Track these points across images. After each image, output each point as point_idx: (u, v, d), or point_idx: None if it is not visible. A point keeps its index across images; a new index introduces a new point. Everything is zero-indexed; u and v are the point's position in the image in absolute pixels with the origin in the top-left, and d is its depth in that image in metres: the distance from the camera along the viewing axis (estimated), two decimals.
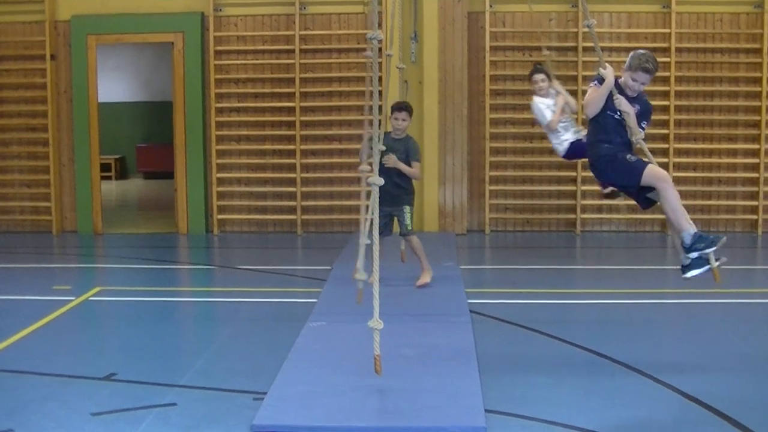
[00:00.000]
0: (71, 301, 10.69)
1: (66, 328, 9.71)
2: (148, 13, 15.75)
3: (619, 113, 8.11)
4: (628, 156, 8.09)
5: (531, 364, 8.16)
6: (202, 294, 11.79)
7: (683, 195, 14.94)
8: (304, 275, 12.22)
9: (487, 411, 6.63)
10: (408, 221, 10.89)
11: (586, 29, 14.90)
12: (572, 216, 15.72)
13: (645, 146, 8.13)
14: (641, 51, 8.42)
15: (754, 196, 15.63)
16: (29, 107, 16.14)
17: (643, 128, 8.22)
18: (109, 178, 24.63)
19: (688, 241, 7.96)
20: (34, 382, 7.62)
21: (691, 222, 7.98)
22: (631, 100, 8.23)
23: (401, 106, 11.10)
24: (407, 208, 10.91)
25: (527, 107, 15.22)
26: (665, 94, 15.44)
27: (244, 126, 16.02)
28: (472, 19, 15.47)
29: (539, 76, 10.91)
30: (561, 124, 10.49)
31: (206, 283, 12.62)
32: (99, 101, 16.12)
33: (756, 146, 15.51)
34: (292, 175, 15.81)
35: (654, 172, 7.96)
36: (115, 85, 25.64)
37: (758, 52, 15.41)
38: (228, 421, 6.63)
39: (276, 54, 15.87)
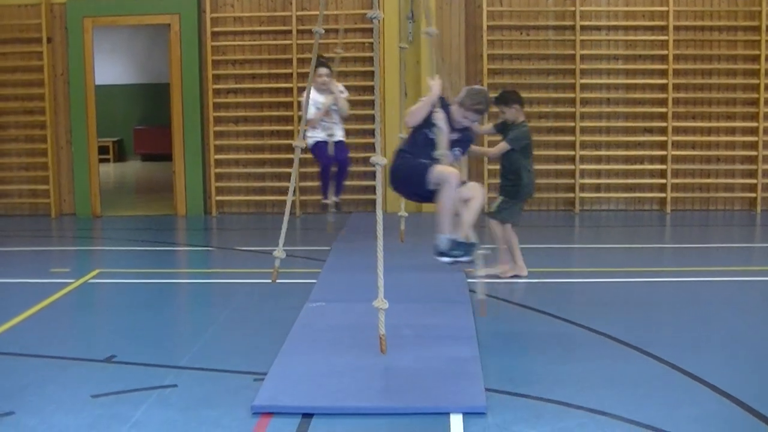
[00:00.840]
0: (70, 283, 10.68)
1: (65, 311, 9.71)
2: None
3: (433, 132, 8.19)
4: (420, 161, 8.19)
5: (531, 343, 8.17)
6: (200, 275, 11.78)
7: (683, 173, 15.04)
8: (303, 256, 12.20)
9: (487, 390, 6.63)
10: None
11: (584, 8, 15.02)
12: (571, 195, 15.72)
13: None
14: (476, 89, 8.62)
15: (752, 174, 15.62)
16: (26, 90, 16.12)
17: (456, 155, 8.43)
18: (107, 160, 24.63)
19: (442, 246, 8.18)
20: (33, 365, 7.63)
21: (452, 229, 8.16)
22: (455, 128, 8.39)
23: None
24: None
25: (526, 86, 15.34)
26: (663, 73, 15.42)
27: (242, 107, 16.00)
28: None
29: (323, 70, 11.79)
30: (322, 123, 11.75)
31: (205, 265, 12.62)
32: (96, 84, 16.09)
33: (754, 124, 15.50)
34: (290, 156, 15.76)
35: (441, 171, 7.96)
36: (111, 67, 25.58)
37: (756, 29, 15.39)
38: (228, 402, 6.63)
39: (273, 35, 15.84)
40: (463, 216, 8.26)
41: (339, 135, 12.25)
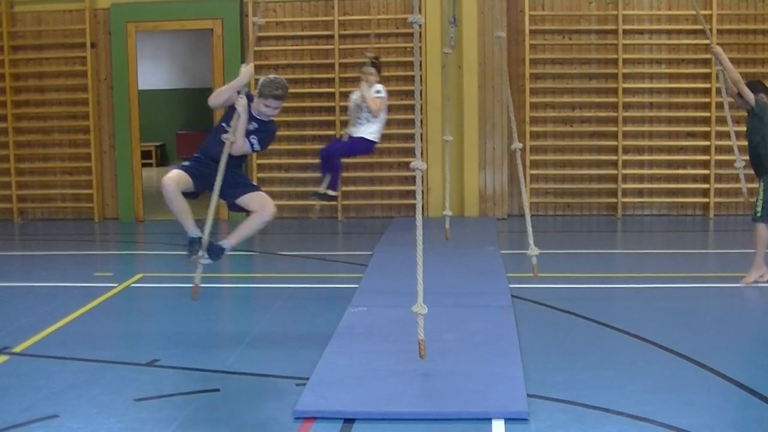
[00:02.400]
0: (113, 287, 10.75)
1: (108, 315, 9.76)
2: (186, 0, 15.80)
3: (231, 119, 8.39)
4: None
5: (572, 348, 8.13)
6: (243, 280, 11.81)
7: (726, 178, 14.93)
8: (345, 260, 12.22)
9: (529, 395, 6.61)
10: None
11: (626, 12, 14.95)
12: (613, 200, 15.65)
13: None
14: (270, 78, 8.69)
15: None
16: (70, 95, 16.25)
17: (252, 144, 8.50)
18: (149, 165, 24.72)
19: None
20: (77, 368, 7.68)
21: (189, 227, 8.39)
22: (256, 118, 8.50)
23: None
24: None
25: (567, 91, 15.33)
26: (707, 77, 15.34)
27: (284, 112, 15.88)
28: (512, 3, 15.42)
29: (364, 68, 12.15)
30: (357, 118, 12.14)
31: (247, 269, 12.64)
32: (139, 88, 16.19)
33: None
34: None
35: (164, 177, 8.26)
36: (154, 72, 25.70)
37: None
38: (270, 406, 6.64)
39: (315, 39, 15.88)
40: (240, 226, 8.54)
41: (361, 132, 12.34)
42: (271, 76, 8.64)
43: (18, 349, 8.27)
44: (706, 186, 15.44)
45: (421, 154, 7.53)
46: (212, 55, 15.95)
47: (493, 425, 6.19)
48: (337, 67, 15.66)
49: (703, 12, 15.22)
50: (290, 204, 16.12)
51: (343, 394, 6.67)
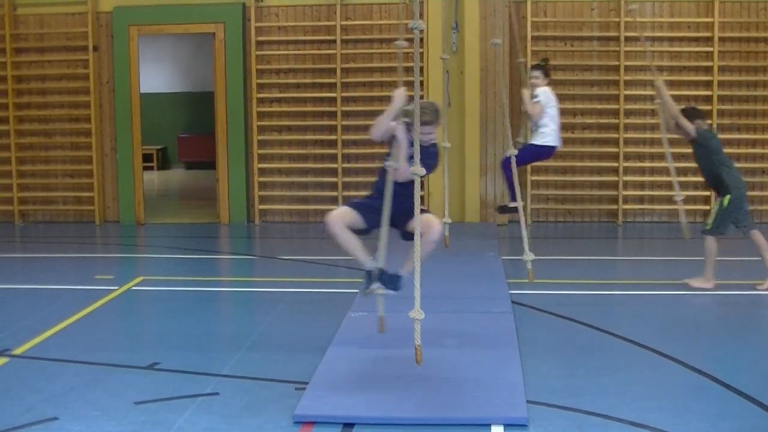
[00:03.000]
0: (114, 290, 10.76)
1: (109, 318, 9.78)
2: (189, 3, 15.82)
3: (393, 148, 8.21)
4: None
5: (573, 354, 8.14)
6: (243, 284, 11.82)
7: None
8: (345, 265, 12.22)
9: (528, 402, 6.62)
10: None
11: (628, 19, 14.96)
12: (614, 206, 15.65)
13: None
14: (421, 102, 8.13)
15: None
16: (72, 98, 16.25)
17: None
18: (151, 168, 24.71)
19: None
20: (77, 371, 7.68)
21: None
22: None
23: None
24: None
25: (569, 97, 15.34)
26: (708, 84, 15.35)
27: (286, 116, 16.05)
28: (514, 9, 15.42)
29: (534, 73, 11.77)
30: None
31: (247, 273, 12.65)
32: (141, 92, 16.20)
33: None
34: (334, 165, 15.82)
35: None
36: (156, 75, 25.70)
37: None
38: (270, 410, 6.65)
39: (317, 44, 15.88)
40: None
41: (532, 139, 12.00)
42: (422, 101, 8.46)
43: (18, 351, 8.28)
44: (707, 194, 15.43)
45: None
46: (214, 59, 15.96)
47: (492, 431, 6.20)
48: (339, 71, 15.67)
49: (704, 20, 15.27)
50: (291, 209, 16.13)
51: (342, 399, 6.68)
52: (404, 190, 7.95)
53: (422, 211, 7.90)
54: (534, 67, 11.88)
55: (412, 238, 7.46)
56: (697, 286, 10.57)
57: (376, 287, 7.93)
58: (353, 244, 8.10)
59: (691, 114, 10.91)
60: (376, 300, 7.97)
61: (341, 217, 8.07)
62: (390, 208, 7.85)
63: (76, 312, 9.65)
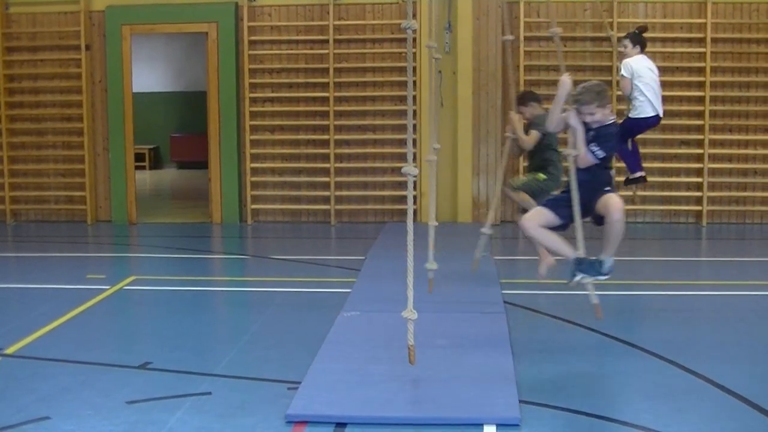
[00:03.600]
0: (106, 289, 10.74)
1: (101, 317, 9.76)
2: (182, 3, 15.80)
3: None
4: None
5: (565, 354, 8.14)
6: (236, 283, 11.81)
7: (719, 186, 14.97)
8: (338, 265, 12.23)
9: (521, 402, 6.62)
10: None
11: (621, 20, 14.97)
12: None
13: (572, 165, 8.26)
14: (580, 86, 8.44)
15: None
16: (64, 97, 16.23)
17: (594, 152, 8.21)
18: (143, 167, 24.69)
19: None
20: (69, 370, 7.67)
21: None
22: (592, 129, 8.32)
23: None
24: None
25: None
26: (701, 85, 15.36)
27: (278, 116, 16.04)
28: (507, 9, 15.39)
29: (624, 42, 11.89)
30: None
31: (240, 273, 12.65)
32: (133, 91, 16.18)
33: None
34: (326, 165, 15.82)
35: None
36: (149, 75, 25.70)
37: None
38: (262, 410, 6.64)
39: (310, 44, 15.87)
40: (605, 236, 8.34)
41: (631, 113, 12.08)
42: (585, 84, 8.46)
43: (10, 350, 8.26)
44: (699, 194, 15.45)
45: (414, 159, 7.52)
46: (207, 59, 15.95)
47: (484, 431, 6.19)
48: (331, 71, 15.66)
49: (697, 21, 15.28)
50: (283, 208, 16.12)
51: (335, 399, 6.68)
52: (588, 175, 8.21)
53: (607, 192, 8.07)
54: (625, 36, 11.84)
55: (603, 222, 7.91)
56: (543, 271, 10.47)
57: (581, 278, 8.19)
58: (554, 241, 8.35)
59: (526, 97, 11.39)
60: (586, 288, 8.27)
61: (536, 219, 8.27)
62: (578, 198, 8.12)
63: (68, 311, 9.63)
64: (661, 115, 11.61)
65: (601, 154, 8.17)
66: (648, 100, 11.44)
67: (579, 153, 8.22)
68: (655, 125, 11.93)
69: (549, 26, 15.27)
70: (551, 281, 10.79)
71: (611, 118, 8.39)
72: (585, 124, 8.30)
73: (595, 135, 8.22)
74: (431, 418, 6.38)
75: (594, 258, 8.15)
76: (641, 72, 11.43)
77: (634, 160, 12.14)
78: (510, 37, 11.36)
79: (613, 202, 7.91)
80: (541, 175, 10.81)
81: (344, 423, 6.33)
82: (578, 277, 8.21)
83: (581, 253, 8.18)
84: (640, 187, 12.97)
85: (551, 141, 10.84)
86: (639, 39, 11.73)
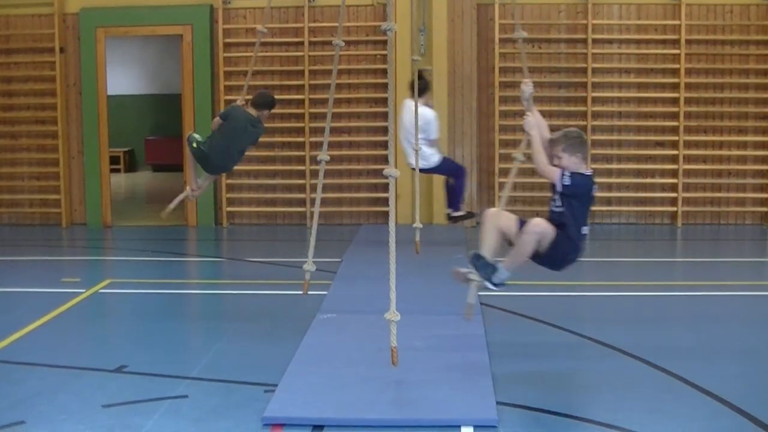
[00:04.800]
0: (81, 293, 10.70)
1: (76, 321, 9.72)
2: (156, 5, 15.75)
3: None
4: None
5: (542, 356, 8.16)
6: (211, 286, 11.78)
7: (694, 187, 15.03)
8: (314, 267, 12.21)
9: (498, 403, 6.63)
10: None
11: (596, 21, 15.01)
12: None
13: None
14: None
15: (764, 188, 15.61)
16: (38, 100, 16.15)
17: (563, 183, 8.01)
18: (118, 170, 24.60)
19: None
20: (44, 374, 7.64)
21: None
22: None
23: None
24: None
25: (536, 99, 15.19)
26: (675, 86, 15.41)
27: None
28: (482, 11, 15.44)
29: None
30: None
31: (216, 276, 12.63)
32: (108, 94, 16.12)
33: (766, 138, 15.48)
34: (301, 168, 15.80)
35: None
36: (123, 77, 25.60)
37: None
38: (239, 413, 6.63)
39: (285, 46, 15.85)
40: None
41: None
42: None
43: None
44: (674, 195, 15.50)
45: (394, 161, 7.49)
46: (182, 61, 15.91)
47: None
48: (306, 74, 15.65)
49: (671, 22, 15.34)
50: (258, 211, 16.09)
51: (311, 401, 6.67)
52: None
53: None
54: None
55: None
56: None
57: (469, 271, 7.93)
58: (489, 239, 8.01)
59: (260, 100, 11.77)
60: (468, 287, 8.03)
61: (500, 219, 8.07)
62: None
63: (42, 315, 9.58)
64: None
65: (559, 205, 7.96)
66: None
67: (537, 164, 8.15)
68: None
69: (523, 29, 15.42)
70: (526, 282, 10.81)
71: (586, 172, 8.13)
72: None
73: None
74: (408, 420, 6.38)
75: (493, 262, 8.02)
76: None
77: (454, 198, 12.60)
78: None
79: (534, 219, 7.70)
80: None
81: (321, 426, 6.32)
82: (468, 270, 8.08)
83: (486, 252, 8.06)
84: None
85: None
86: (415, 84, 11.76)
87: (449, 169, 12.99)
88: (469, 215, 12.98)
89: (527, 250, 7.68)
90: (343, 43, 9.18)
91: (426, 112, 12.15)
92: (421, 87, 11.83)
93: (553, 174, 7.97)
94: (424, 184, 14.88)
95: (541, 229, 7.63)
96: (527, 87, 8.46)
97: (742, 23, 15.40)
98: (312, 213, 15.47)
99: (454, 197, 12.86)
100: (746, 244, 14.52)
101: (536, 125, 8.46)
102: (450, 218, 13.04)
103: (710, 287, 10.86)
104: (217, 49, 15.72)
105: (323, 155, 9.29)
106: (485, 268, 7.81)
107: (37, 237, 15.29)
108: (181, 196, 11.92)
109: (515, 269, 7.85)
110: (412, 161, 11.94)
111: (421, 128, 11.85)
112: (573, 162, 8.04)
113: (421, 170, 12.06)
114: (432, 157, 12.44)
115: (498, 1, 15.35)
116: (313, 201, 15.72)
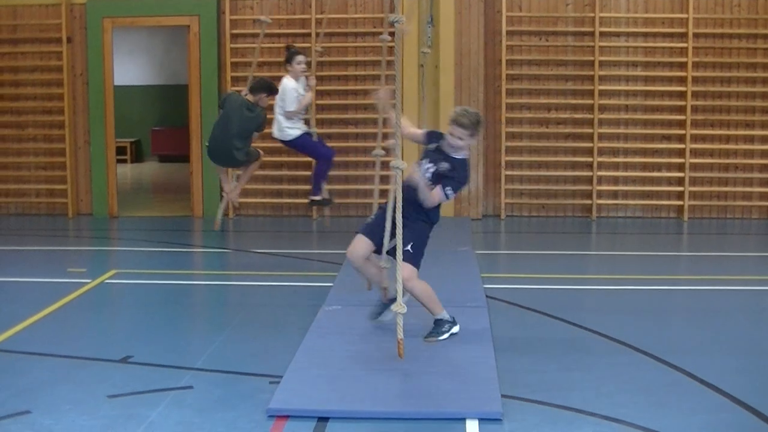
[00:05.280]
0: (87, 283, 10.70)
1: (81, 311, 9.72)
2: None
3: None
4: None
5: (547, 349, 8.15)
6: (217, 277, 11.77)
7: (700, 181, 15.00)
8: (320, 259, 12.22)
9: (503, 396, 6.62)
10: None
11: (603, 14, 14.97)
12: (588, 201, 15.67)
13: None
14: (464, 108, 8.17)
15: None
16: (45, 90, 16.16)
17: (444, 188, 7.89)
18: (124, 161, 24.62)
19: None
20: (49, 364, 7.64)
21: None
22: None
23: None
24: None
25: (543, 92, 15.37)
26: (682, 80, 15.38)
27: None
28: (489, 4, 15.42)
29: (302, 58, 11.73)
30: (301, 116, 11.83)
31: (221, 267, 12.63)
32: (114, 84, 16.13)
33: None
34: (307, 159, 15.78)
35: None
36: (130, 68, 25.62)
37: None
38: (244, 404, 6.63)
39: (292, 38, 15.81)
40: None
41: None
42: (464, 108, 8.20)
43: None
44: (680, 189, 15.48)
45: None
46: (189, 52, 15.90)
47: (467, 425, 6.20)
48: (313, 65, 15.61)
49: (679, 16, 15.30)
50: (264, 202, 16.09)
51: (316, 393, 6.68)
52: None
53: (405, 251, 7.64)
54: (299, 53, 11.94)
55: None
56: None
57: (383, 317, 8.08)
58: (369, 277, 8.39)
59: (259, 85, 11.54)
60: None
61: (356, 249, 8.15)
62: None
63: (48, 305, 9.59)
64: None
65: (450, 193, 7.92)
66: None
67: (422, 197, 7.89)
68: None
69: (531, 21, 15.42)
70: (531, 275, 10.84)
71: (465, 154, 8.06)
72: (439, 150, 8.04)
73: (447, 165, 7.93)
74: (413, 413, 6.38)
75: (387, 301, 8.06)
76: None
77: (315, 181, 12.39)
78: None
79: (403, 272, 7.39)
80: None
81: (326, 417, 6.32)
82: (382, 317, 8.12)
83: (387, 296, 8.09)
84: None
85: None
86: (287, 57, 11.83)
87: (308, 149, 12.45)
88: (326, 202, 12.60)
89: (424, 295, 7.85)
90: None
91: (285, 83, 11.78)
92: (287, 59, 11.74)
93: (437, 198, 7.90)
94: None
95: (408, 280, 7.64)
96: (384, 94, 8.29)
97: (750, 17, 15.36)
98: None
99: (315, 181, 12.44)
100: (752, 238, 14.50)
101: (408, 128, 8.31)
102: (310, 203, 12.75)
103: (716, 281, 10.84)
104: (223, 39, 15.71)
105: (378, 150, 9.32)
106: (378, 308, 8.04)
107: (43, 227, 15.30)
108: (222, 204, 12.25)
109: (437, 308, 8.00)
110: (275, 132, 11.94)
111: (278, 98, 11.72)
112: (469, 144, 8.01)
113: (284, 143, 12.06)
114: (288, 130, 11.91)
115: None
116: None
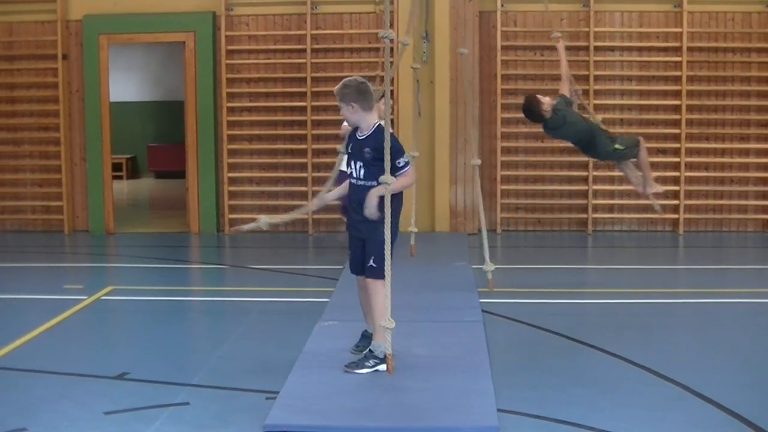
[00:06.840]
0: (83, 300, 10.71)
1: (78, 327, 9.73)
2: (159, 12, 15.76)
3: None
4: None
5: (543, 363, 8.15)
6: (213, 293, 11.78)
7: (696, 194, 15.02)
8: (316, 274, 12.22)
9: (499, 410, 6.63)
10: None
11: (597, 29, 15.00)
12: (584, 215, 15.68)
13: None
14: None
15: (766, 195, 15.59)
16: (41, 106, 16.16)
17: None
18: (120, 177, 24.60)
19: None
20: (46, 381, 7.64)
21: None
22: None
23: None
24: None
25: None
26: (677, 94, 15.41)
27: (256, 125, 16.01)
28: (484, 19, 15.45)
29: None
30: None
31: (218, 283, 12.63)
32: (110, 100, 16.13)
33: None
34: (304, 175, 15.80)
35: None
36: (126, 84, 25.60)
37: None
38: (240, 420, 6.64)
39: (287, 53, 15.85)
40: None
41: None
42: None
43: None
44: (676, 202, 15.49)
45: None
46: (185, 68, 15.92)
47: None
48: (309, 81, 15.65)
49: (673, 30, 15.34)
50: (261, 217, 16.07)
51: (313, 409, 6.68)
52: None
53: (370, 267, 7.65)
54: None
55: None
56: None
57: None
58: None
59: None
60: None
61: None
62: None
63: (45, 322, 9.59)
64: None
65: (402, 160, 7.50)
66: None
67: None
68: None
69: (525, 36, 15.45)
70: (528, 289, 10.85)
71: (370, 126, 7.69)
72: (355, 143, 7.77)
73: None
74: (409, 428, 6.39)
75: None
76: None
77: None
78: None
79: (370, 289, 7.48)
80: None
81: None
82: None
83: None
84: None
85: None
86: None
87: None
88: None
89: (378, 308, 7.56)
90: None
91: None
92: None
93: (403, 181, 7.52)
94: (425, 191, 14.91)
95: (378, 293, 7.54)
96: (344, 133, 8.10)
97: (744, 31, 15.40)
98: (313, 219, 15.52)
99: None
100: (749, 251, 14.52)
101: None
102: None
103: (713, 294, 10.86)
104: (219, 56, 15.73)
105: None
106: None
107: (39, 243, 15.29)
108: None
109: (378, 334, 7.60)
110: None
111: None
112: (361, 115, 7.66)
113: None
114: None
115: (500, 9, 15.37)
116: None
